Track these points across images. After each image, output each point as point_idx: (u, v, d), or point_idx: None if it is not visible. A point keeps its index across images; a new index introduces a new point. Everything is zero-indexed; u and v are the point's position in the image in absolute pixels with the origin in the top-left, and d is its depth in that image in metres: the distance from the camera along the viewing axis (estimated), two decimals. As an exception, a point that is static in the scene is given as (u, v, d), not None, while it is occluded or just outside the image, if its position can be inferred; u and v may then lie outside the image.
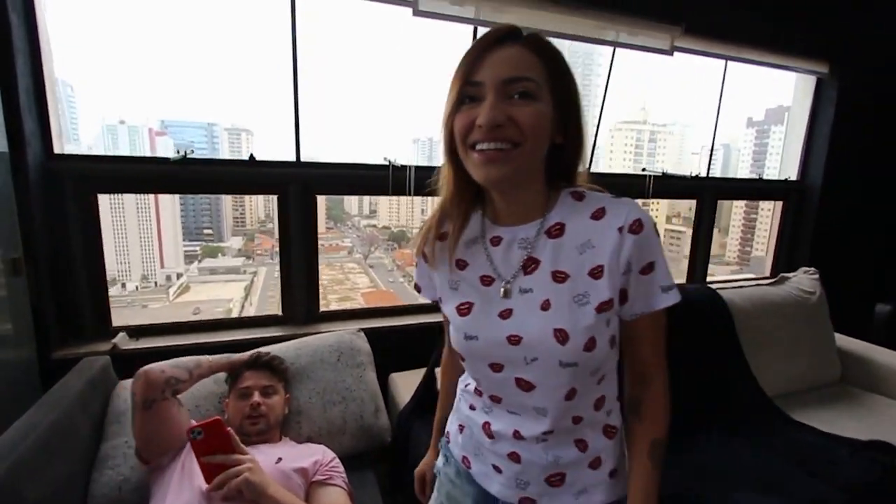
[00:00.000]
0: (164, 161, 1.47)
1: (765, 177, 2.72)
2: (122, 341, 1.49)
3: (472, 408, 0.75)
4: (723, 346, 1.76)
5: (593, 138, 2.17)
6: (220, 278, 4.73)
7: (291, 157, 1.68)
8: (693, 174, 2.34)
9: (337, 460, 1.17)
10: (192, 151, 1.55)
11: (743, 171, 3.78)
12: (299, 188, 1.66)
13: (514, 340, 0.63)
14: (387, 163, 1.75)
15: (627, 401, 0.71)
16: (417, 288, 0.80)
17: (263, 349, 1.35)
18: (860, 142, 2.49)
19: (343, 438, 1.32)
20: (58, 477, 1.00)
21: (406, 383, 1.61)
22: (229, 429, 0.96)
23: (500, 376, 0.66)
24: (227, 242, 4.91)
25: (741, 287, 1.98)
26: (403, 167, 1.73)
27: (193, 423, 1.09)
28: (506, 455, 0.69)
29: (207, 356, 1.19)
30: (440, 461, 0.84)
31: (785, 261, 2.68)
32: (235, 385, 1.22)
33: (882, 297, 2.45)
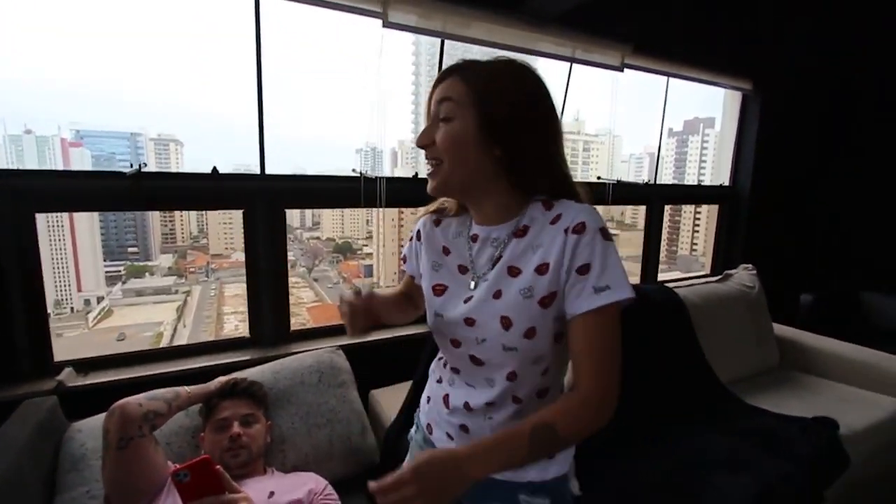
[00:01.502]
0: (117, 176, 1.34)
1: (685, 182, 2.98)
2: (69, 377, 1.33)
3: (438, 381, 0.84)
4: (682, 341, 1.88)
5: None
6: (149, 300, 4.36)
7: (255, 170, 1.61)
8: (644, 181, 2.50)
9: (330, 487, 1.11)
10: (145, 165, 1.43)
11: (666, 177, 4.13)
12: (266, 202, 1.58)
13: (469, 322, 0.71)
14: (357, 174, 1.71)
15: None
16: (404, 259, 0.89)
17: (239, 375, 1.26)
18: (782, 150, 2.80)
19: (331, 464, 1.26)
20: (9, 541, 0.87)
21: (388, 399, 1.57)
22: (218, 467, 0.88)
23: (458, 351, 0.75)
24: (155, 261, 4.54)
25: (692, 285, 2.14)
26: (374, 178, 1.70)
27: (172, 465, 1.00)
28: (458, 426, 0.77)
29: (185, 387, 1.09)
30: (413, 429, 0.93)
31: (722, 258, 2.93)
32: (212, 416, 1.13)
33: (806, 287, 2.75)
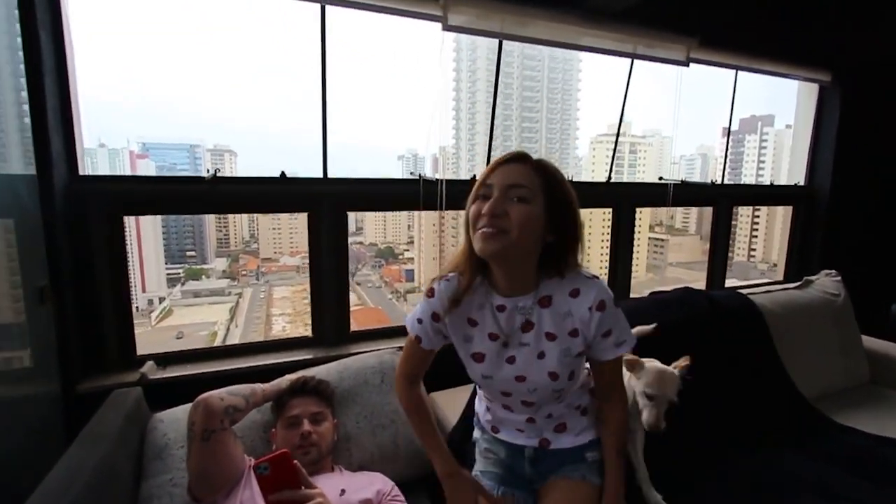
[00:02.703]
0: (196, 181, 1.42)
1: (742, 181, 2.78)
2: (151, 370, 1.41)
3: (490, 400, 1.01)
4: (760, 352, 1.75)
5: (613, 147, 2.19)
6: (204, 301, 4.60)
7: (317, 174, 1.65)
8: (712, 181, 2.36)
9: (397, 489, 1.11)
10: (220, 170, 1.50)
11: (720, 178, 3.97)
12: (331, 205, 1.62)
13: (520, 379, 0.90)
14: (416, 177, 1.72)
15: (598, 411, 1.02)
16: (418, 339, 0.96)
17: (307, 373, 1.28)
18: (865, 146, 2.57)
19: (396, 464, 1.26)
20: (105, 522, 0.92)
21: (448, 402, 1.55)
22: (296, 462, 0.90)
23: (509, 398, 0.94)
24: (210, 264, 4.80)
25: (768, 291, 1.99)
26: (435, 181, 1.70)
27: (248, 458, 1.03)
28: (524, 421, 0.98)
29: (260, 384, 1.13)
30: (476, 433, 1.11)
31: (797, 264, 2.71)
32: (282, 413, 1.15)
33: (897, 297, 2.50)
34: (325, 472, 1.11)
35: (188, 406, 1.10)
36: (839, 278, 2.05)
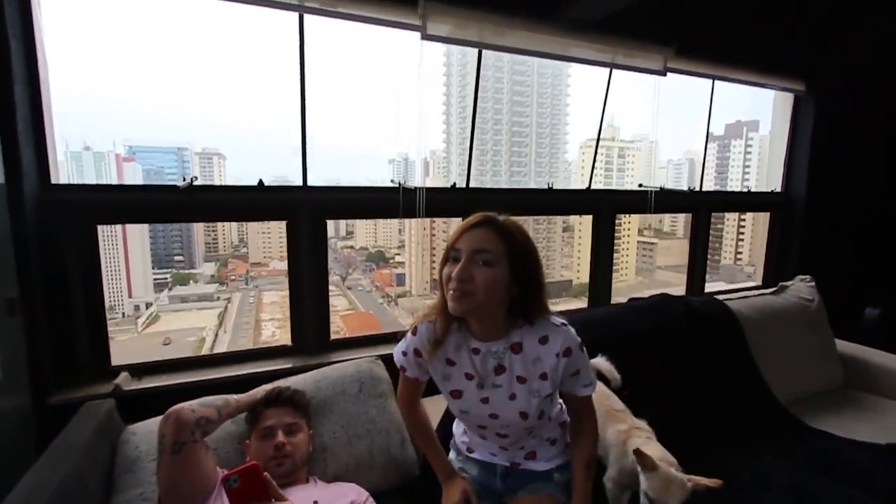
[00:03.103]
0: (172, 189, 1.41)
1: (727, 188, 2.85)
2: (125, 381, 1.39)
3: (468, 428, 1.11)
4: (736, 357, 1.78)
5: (593, 156, 2.22)
6: (192, 306, 4.52)
7: (291, 181, 1.65)
8: (689, 188, 2.40)
9: (371, 499, 1.11)
10: (196, 178, 1.49)
11: (707, 183, 4.01)
12: (309, 213, 1.61)
13: (493, 416, 0.99)
14: (396, 185, 1.72)
15: (571, 429, 1.09)
16: (403, 369, 1.06)
17: (282, 383, 1.28)
18: (841, 153, 2.63)
19: (371, 474, 1.25)
20: (71, 539, 0.90)
21: (430, 410, 1.55)
22: (266, 474, 0.89)
23: (485, 430, 1.04)
24: (198, 269, 4.72)
25: (744, 297, 2.03)
26: (413, 189, 1.71)
27: (220, 471, 1.02)
28: (498, 447, 1.07)
29: (234, 395, 1.12)
30: (452, 454, 1.19)
31: (775, 269, 2.76)
32: (256, 424, 1.14)
33: (871, 301, 2.55)
34: (299, 483, 1.11)
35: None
36: (813, 283, 2.10)
